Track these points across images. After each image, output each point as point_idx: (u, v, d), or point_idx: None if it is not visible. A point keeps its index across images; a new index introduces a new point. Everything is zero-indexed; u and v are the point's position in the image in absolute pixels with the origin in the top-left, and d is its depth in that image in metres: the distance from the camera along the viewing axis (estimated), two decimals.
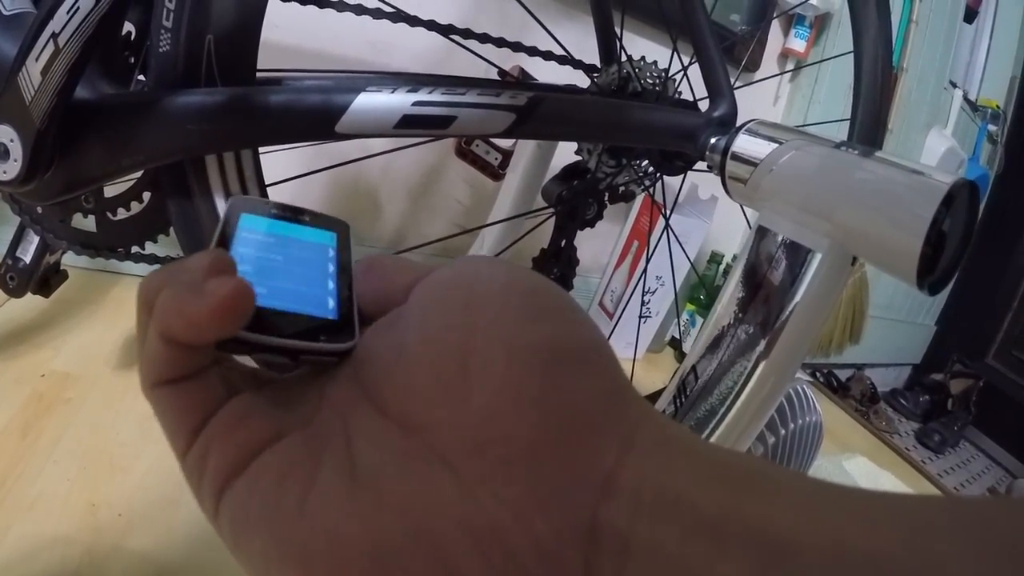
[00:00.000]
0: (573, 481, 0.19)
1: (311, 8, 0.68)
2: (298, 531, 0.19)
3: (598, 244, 1.62)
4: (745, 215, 1.01)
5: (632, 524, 0.18)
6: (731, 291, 0.62)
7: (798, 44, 1.71)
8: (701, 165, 0.68)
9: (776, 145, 0.58)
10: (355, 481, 0.20)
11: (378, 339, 0.25)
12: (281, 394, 0.24)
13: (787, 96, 1.84)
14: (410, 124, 0.50)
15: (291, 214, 0.32)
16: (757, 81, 1.63)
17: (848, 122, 0.95)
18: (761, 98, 1.79)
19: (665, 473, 0.19)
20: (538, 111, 0.54)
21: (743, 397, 0.59)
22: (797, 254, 0.57)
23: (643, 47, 1.41)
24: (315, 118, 0.48)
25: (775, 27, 1.72)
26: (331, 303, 0.27)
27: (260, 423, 0.22)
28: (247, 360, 0.26)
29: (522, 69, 1.05)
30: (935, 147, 2.17)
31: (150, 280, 0.22)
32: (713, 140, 0.64)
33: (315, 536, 0.19)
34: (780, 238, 0.58)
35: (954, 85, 2.29)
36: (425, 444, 0.21)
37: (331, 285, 0.28)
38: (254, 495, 0.20)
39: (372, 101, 0.48)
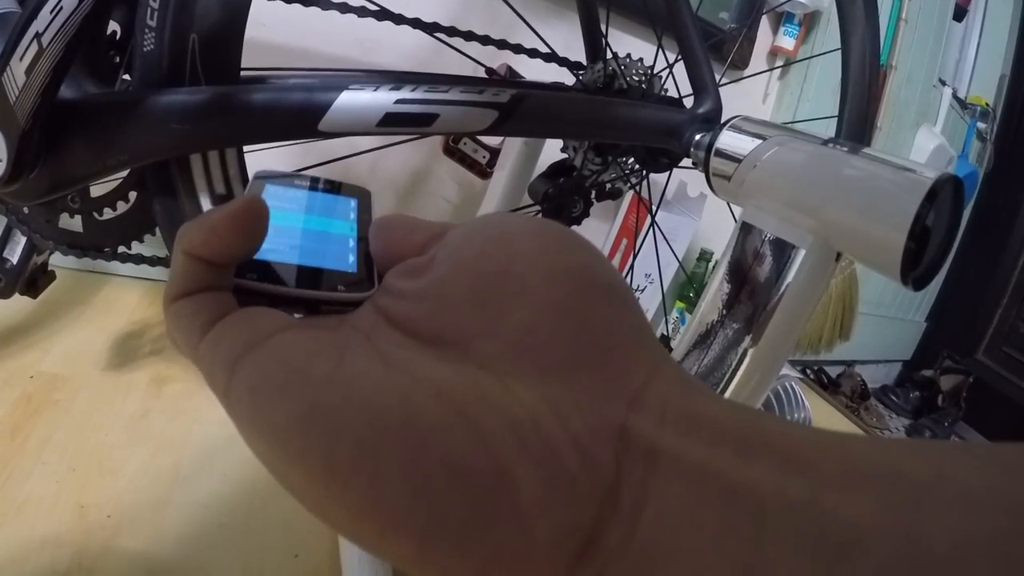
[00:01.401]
0: (606, 390, 0.20)
1: (297, 7, 0.68)
2: (329, 397, 0.19)
3: None
4: (733, 213, 1.02)
5: (659, 432, 0.19)
6: (716, 288, 0.62)
7: (787, 42, 1.72)
8: (687, 162, 0.69)
9: (760, 141, 0.59)
10: (388, 366, 0.20)
11: (400, 280, 0.25)
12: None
13: (776, 93, 1.84)
14: (393, 122, 0.50)
15: (313, 183, 0.33)
16: (745, 78, 1.63)
17: (836, 119, 0.95)
18: (750, 96, 1.80)
19: (687, 399, 0.20)
20: (521, 108, 0.54)
21: (729, 392, 0.59)
22: (781, 250, 0.57)
23: (630, 44, 1.41)
24: (298, 116, 0.49)
25: (764, 25, 1.73)
26: (351, 258, 0.28)
27: (276, 317, 0.22)
28: None
29: (509, 67, 1.05)
30: (924, 145, 2.18)
31: (182, 228, 0.23)
32: (697, 137, 0.65)
33: (347, 403, 0.18)
34: (764, 234, 0.59)
35: (943, 83, 2.30)
36: (459, 353, 0.21)
37: (351, 243, 0.29)
38: (278, 363, 0.20)
39: (355, 99, 0.49)
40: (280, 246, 0.27)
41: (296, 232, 0.28)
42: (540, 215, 0.78)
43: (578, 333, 0.21)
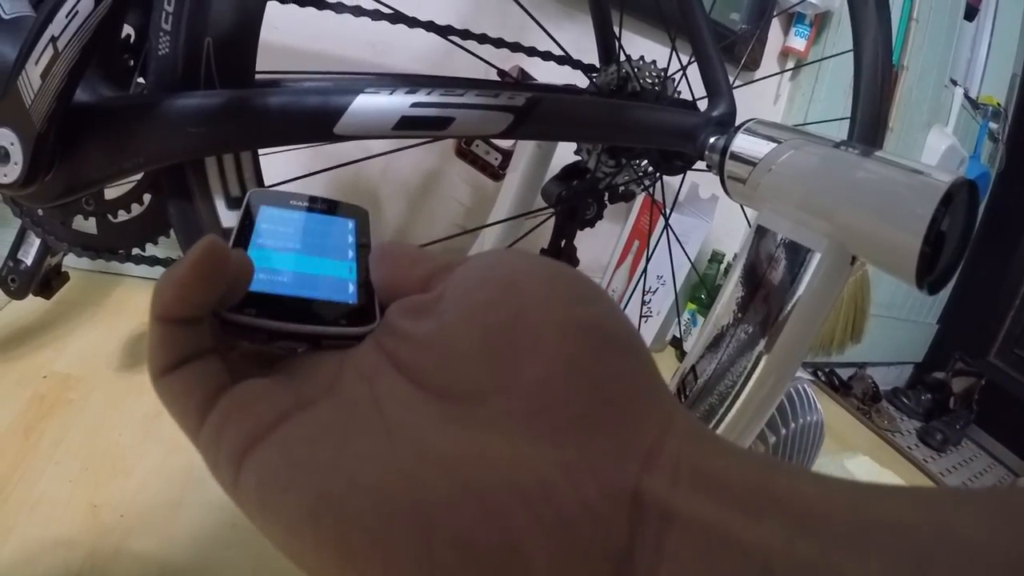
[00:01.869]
0: (620, 450, 0.20)
1: (310, 9, 0.68)
2: (335, 485, 0.19)
3: (599, 244, 1.62)
4: (745, 215, 1.01)
5: (672, 493, 0.19)
6: (730, 291, 0.62)
7: (798, 43, 1.71)
8: (701, 165, 0.68)
9: (775, 144, 0.58)
10: (392, 439, 0.20)
11: (405, 319, 0.24)
12: (296, 366, 0.24)
13: (787, 95, 1.84)
14: (409, 125, 0.50)
15: (310, 203, 0.32)
16: (757, 80, 1.62)
17: (848, 121, 0.95)
18: (761, 97, 1.79)
19: (699, 454, 0.20)
20: (536, 112, 0.54)
21: (743, 396, 0.59)
22: (796, 253, 0.57)
23: (642, 47, 1.41)
24: (314, 120, 0.49)
25: (775, 26, 1.72)
26: (351, 288, 0.27)
27: (279, 395, 0.22)
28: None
29: (521, 69, 1.05)
30: (936, 145, 2.17)
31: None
32: (712, 140, 0.64)
33: (354, 490, 0.18)
34: (779, 237, 0.58)
35: (955, 83, 2.28)
36: (468, 411, 0.21)
37: (351, 271, 0.28)
38: (284, 454, 0.20)
39: (371, 103, 0.49)
40: (277, 276, 0.26)
41: (293, 260, 0.28)
42: (554, 217, 0.78)
43: (593, 391, 0.21)
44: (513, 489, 0.19)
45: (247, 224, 0.29)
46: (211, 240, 0.21)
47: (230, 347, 0.24)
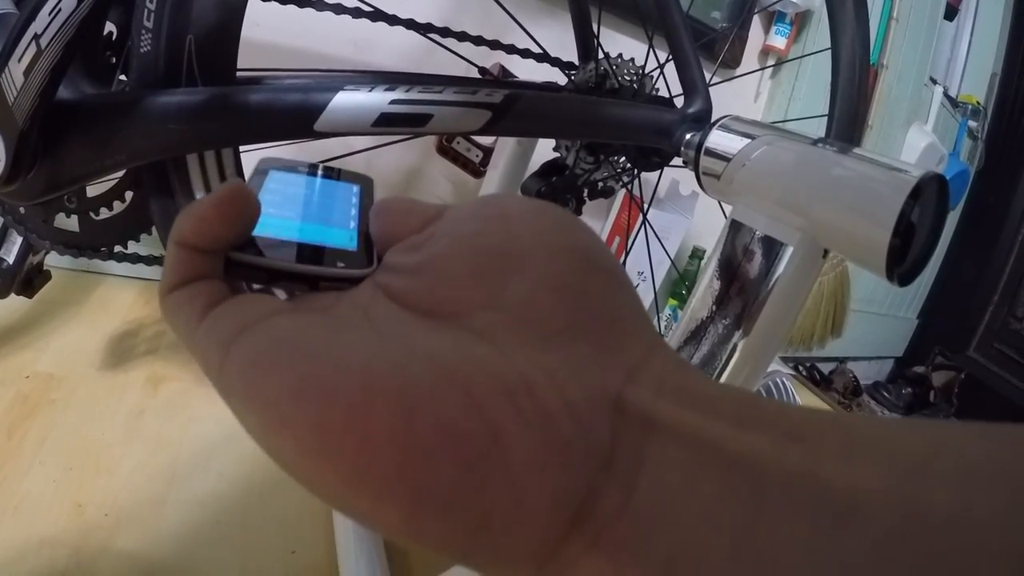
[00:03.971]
0: (604, 361, 0.20)
1: (292, 7, 0.68)
2: (321, 366, 0.18)
3: None
4: (724, 211, 1.03)
5: (656, 403, 0.19)
6: (706, 284, 0.63)
7: (779, 41, 1.73)
8: (678, 161, 0.69)
9: (749, 140, 0.59)
10: (382, 336, 0.21)
11: (398, 256, 0.25)
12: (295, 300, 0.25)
13: (768, 93, 1.85)
14: (388, 122, 0.51)
15: (317, 170, 0.34)
16: (735, 77, 1.64)
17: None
18: (741, 95, 1.80)
19: (683, 376, 0.20)
20: (514, 108, 0.55)
21: None
22: (769, 247, 0.58)
23: (623, 44, 1.42)
24: (294, 117, 0.49)
25: (756, 25, 1.73)
26: (351, 237, 0.28)
27: (271, 302, 0.22)
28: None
29: (503, 67, 1.05)
30: (916, 143, 2.19)
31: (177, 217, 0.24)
32: (688, 136, 0.65)
33: (339, 372, 0.18)
34: (753, 231, 0.59)
35: (935, 82, 2.31)
36: (457, 324, 0.21)
37: (352, 224, 0.29)
38: (271, 339, 0.20)
39: (350, 100, 0.49)
40: (281, 224, 0.27)
41: (298, 212, 0.29)
42: None
43: (578, 307, 0.21)
44: (498, 383, 0.19)
45: (255, 182, 0.30)
46: (237, 184, 0.23)
47: (235, 288, 0.25)
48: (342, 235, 0.28)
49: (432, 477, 0.17)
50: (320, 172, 0.34)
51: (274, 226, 0.27)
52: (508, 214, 0.24)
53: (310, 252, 0.26)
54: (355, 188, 0.33)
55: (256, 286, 0.26)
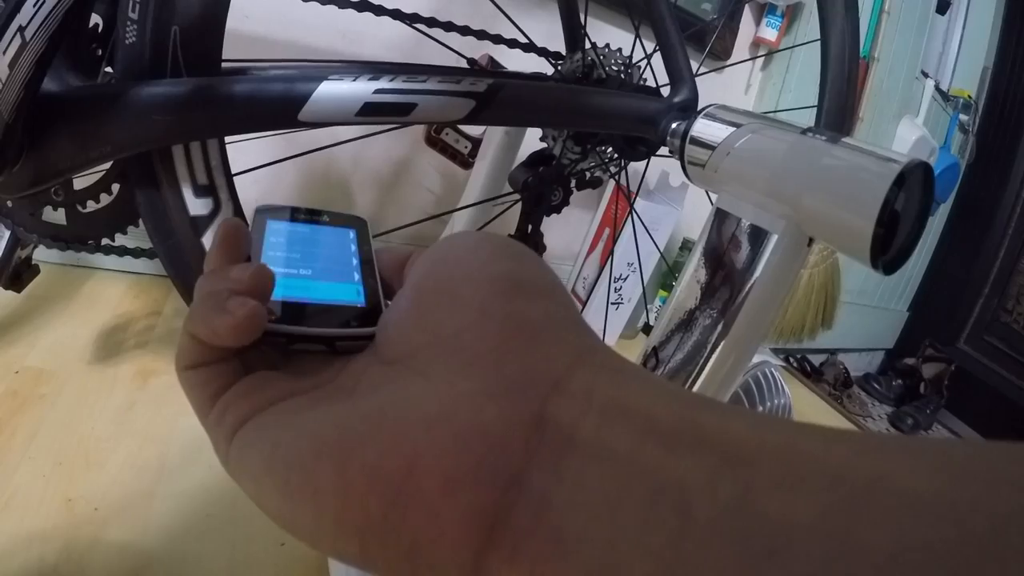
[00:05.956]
0: (525, 379, 0.21)
1: None
2: (285, 436, 0.22)
3: (570, 231, 1.63)
4: (712, 201, 1.03)
5: (578, 421, 0.20)
6: (691, 273, 0.63)
7: (770, 33, 1.73)
8: (665, 151, 0.70)
9: (734, 129, 0.59)
10: (353, 400, 0.24)
11: (386, 311, 0.28)
12: (305, 365, 0.27)
13: (758, 85, 1.85)
14: (372, 112, 0.51)
15: (313, 216, 0.35)
16: (725, 67, 1.64)
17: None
18: (732, 87, 1.81)
19: (616, 387, 0.20)
20: (498, 97, 0.55)
21: (703, 376, 0.60)
22: (754, 235, 0.58)
23: (610, 34, 1.42)
24: (278, 107, 0.49)
25: (748, 17, 1.74)
26: (358, 291, 0.30)
27: (274, 387, 0.25)
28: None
29: (490, 57, 1.05)
30: (906, 136, 2.20)
31: (199, 282, 0.26)
32: (673, 125, 0.66)
33: (298, 440, 0.21)
34: (738, 220, 0.60)
35: (926, 75, 2.31)
36: (404, 367, 0.24)
37: (356, 276, 0.31)
38: (259, 428, 0.23)
39: (334, 89, 0.49)
40: (293, 284, 0.29)
41: (304, 268, 0.30)
42: (520, 203, 0.79)
43: (501, 329, 0.22)
44: (420, 419, 0.21)
45: (256, 234, 0.32)
46: (256, 310, 0.24)
47: (247, 361, 0.27)
48: (349, 290, 0.30)
49: (364, 516, 0.20)
50: (316, 219, 0.35)
51: (286, 286, 0.28)
52: (448, 255, 0.26)
53: (324, 313, 0.28)
54: (351, 233, 0.35)
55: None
